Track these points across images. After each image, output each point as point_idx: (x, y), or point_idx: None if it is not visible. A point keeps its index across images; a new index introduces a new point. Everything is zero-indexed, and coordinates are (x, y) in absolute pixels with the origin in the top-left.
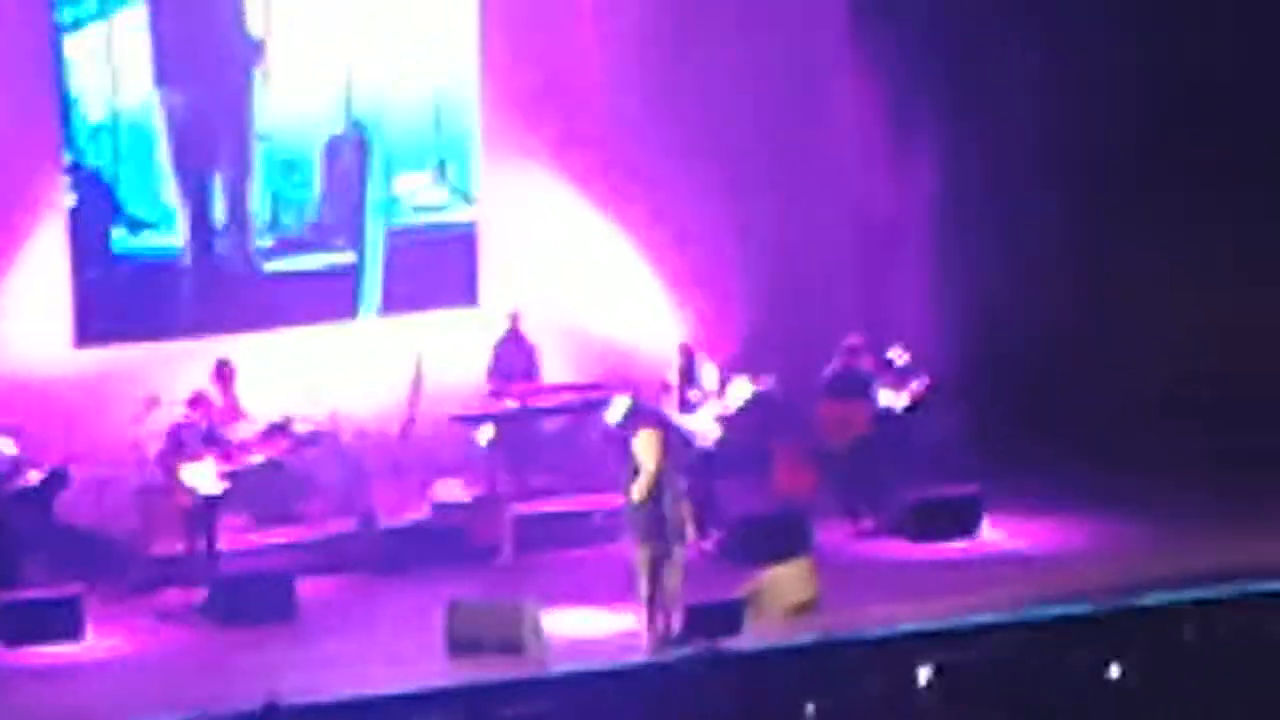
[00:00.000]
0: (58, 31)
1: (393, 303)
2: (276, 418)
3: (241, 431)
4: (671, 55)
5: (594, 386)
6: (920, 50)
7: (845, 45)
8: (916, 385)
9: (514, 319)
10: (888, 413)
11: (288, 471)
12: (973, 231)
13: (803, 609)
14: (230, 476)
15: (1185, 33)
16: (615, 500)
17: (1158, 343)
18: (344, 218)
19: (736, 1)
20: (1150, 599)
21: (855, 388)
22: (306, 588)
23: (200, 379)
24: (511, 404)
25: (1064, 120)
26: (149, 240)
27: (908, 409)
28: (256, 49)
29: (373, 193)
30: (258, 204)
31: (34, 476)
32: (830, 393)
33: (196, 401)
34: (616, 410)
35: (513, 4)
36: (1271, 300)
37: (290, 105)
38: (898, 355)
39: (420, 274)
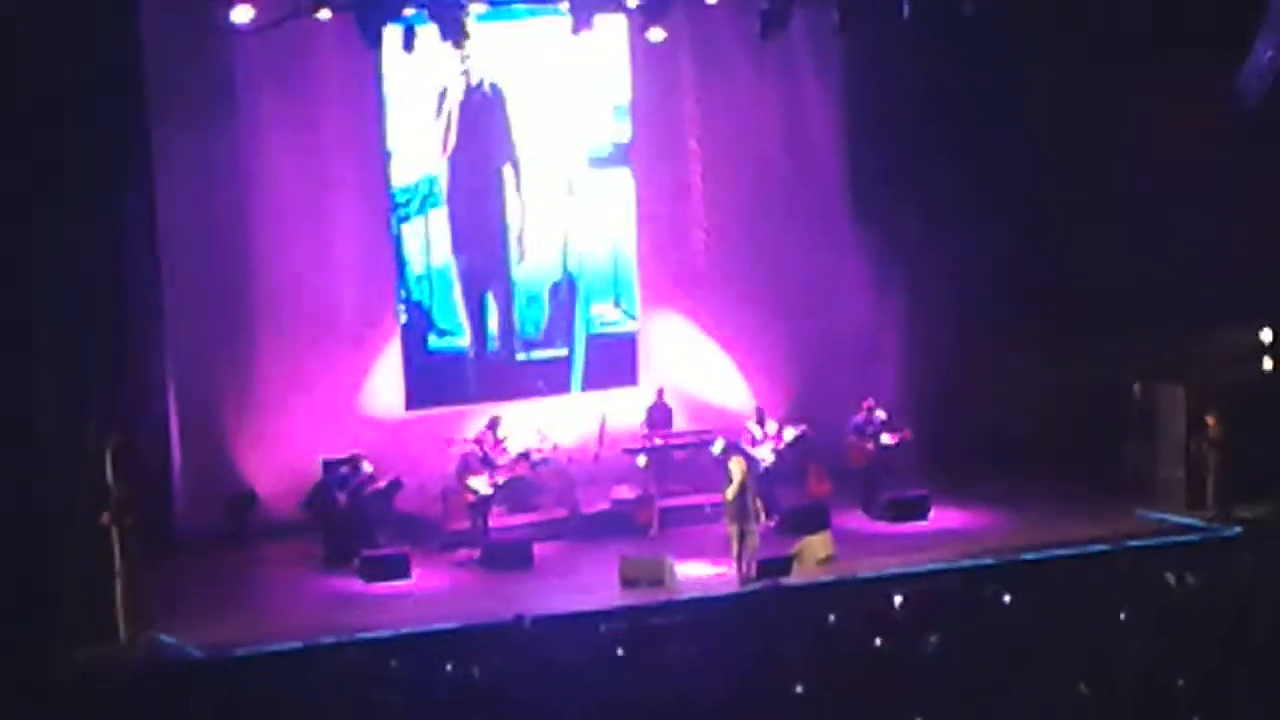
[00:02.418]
0: (398, 222)
1: (589, 381)
2: (523, 450)
3: (503, 458)
4: (738, 229)
5: (704, 432)
6: (902, 225)
7: (847, 227)
8: (902, 432)
9: (659, 393)
10: (884, 448)
11: (529, 481)
12: (930, 341)
13: (825, 561)
14: (496, 485)
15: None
16: (717, 498)
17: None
18: (561, 329)
19: (780, 197)
20: (1027, 556)
21: (868, 432)
22: (540, 550)
23: (479, 427)
24: (658, 442)
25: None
26: (450, 342)
27: (895, 445)
28: (513, 230)
29: (579, 314)
30: (513, 320)
31: (382, 484)
32: (855, 433)
33: (478, 441)
34: (717, 446)
35: (655, 208)
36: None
37: (531, 263)
38: (882, 413)
39: (605, 364)
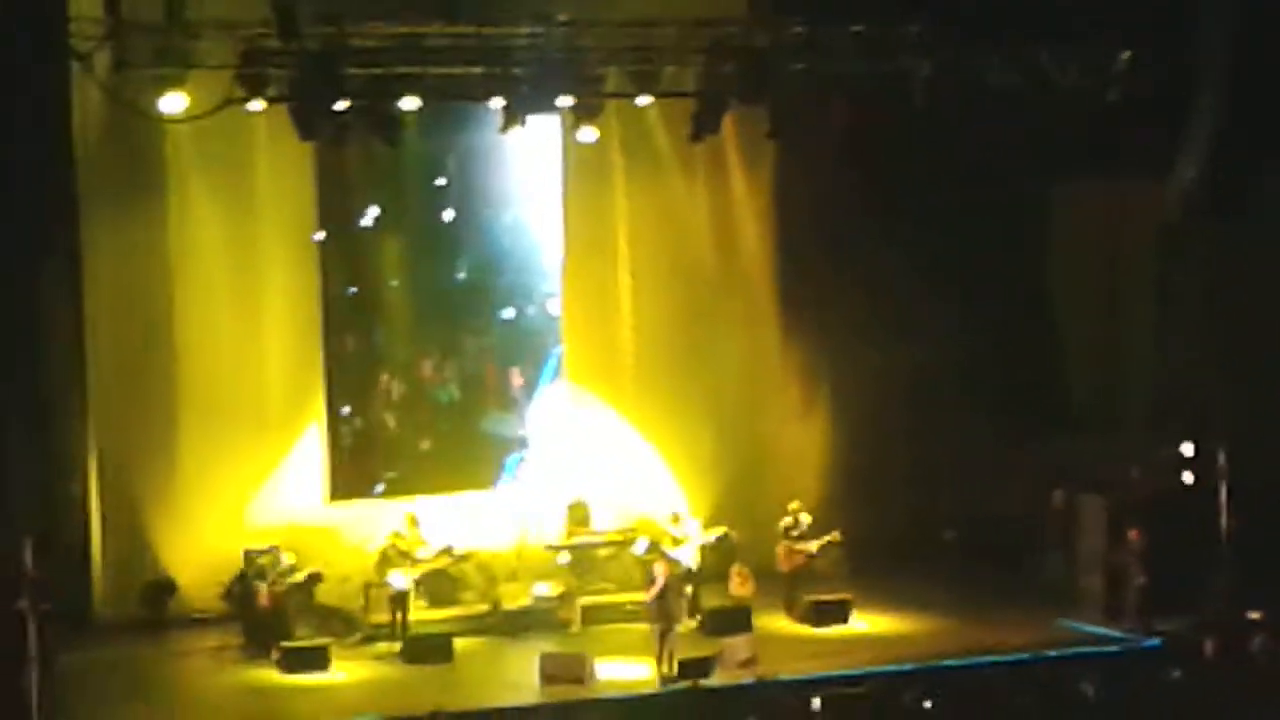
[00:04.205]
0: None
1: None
2: (444, 545)
3: (423, 552)
4: (667, 329)
5: (628, 530)
6: (831, 326)
7: (776, 328)
8: (829, 536)
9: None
10: (809, 552)
11: (450, 576)
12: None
13: (747, 664)
14: (416, 579)
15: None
16: (639, 597)
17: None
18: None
19: (709, 297)
20: (947, 663)
21: (793, 535)
22: (461, 645)
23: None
24: (579, 541)
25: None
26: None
27: (822, 549)
28: None
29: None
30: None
31: (302, 576)
32: (785, 537)
33: (397, 535)
34: (640, 546)
35: (584, 306)
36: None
37: None
38: (810, 517)
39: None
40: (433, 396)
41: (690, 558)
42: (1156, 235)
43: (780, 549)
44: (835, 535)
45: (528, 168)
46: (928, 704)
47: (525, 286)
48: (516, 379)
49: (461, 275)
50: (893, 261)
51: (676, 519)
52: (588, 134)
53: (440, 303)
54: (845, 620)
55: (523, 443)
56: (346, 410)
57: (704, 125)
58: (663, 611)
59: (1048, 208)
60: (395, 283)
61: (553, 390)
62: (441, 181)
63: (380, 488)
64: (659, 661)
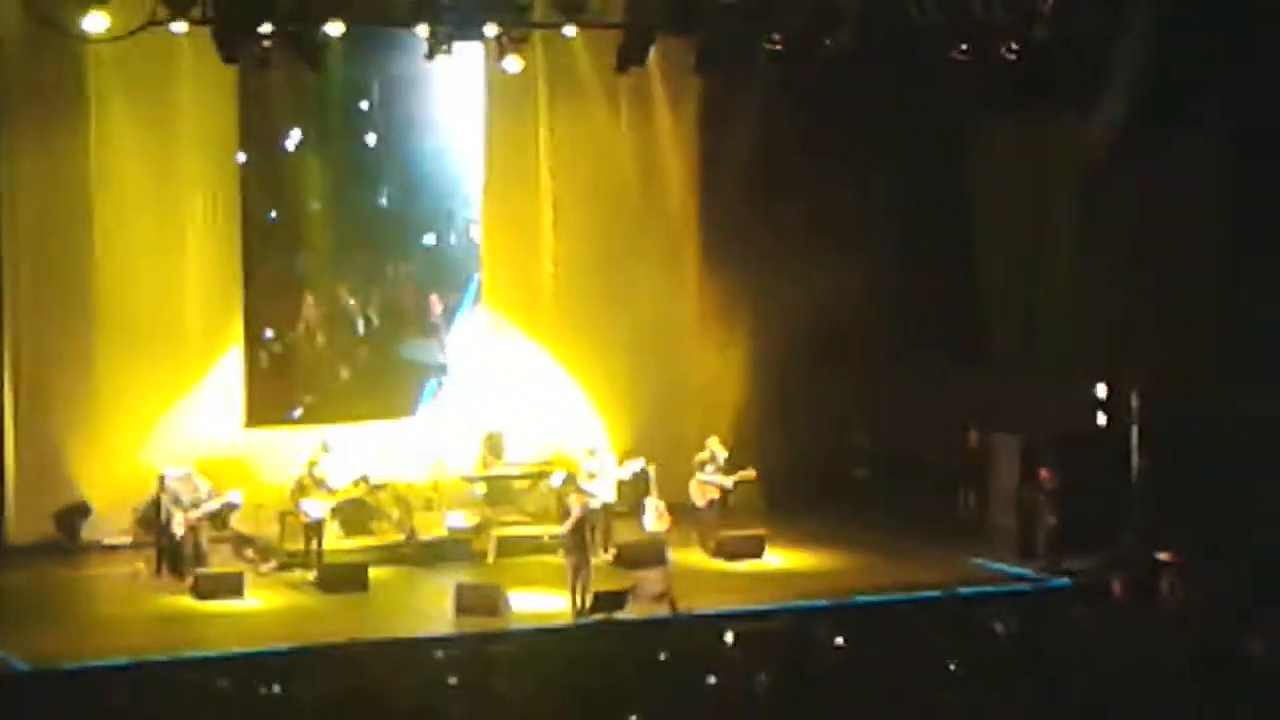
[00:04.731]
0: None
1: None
2: (360, 474)
3: (338, 480)
4: (588, 262)
5: (545, 463)
6: (750, 263)
7: (696, 263)
8: (744, 473)
9: None
10: (725, 487)
11: (366, 505)
12: (773, 380)
13: (660, 598)
14: (331, 507)
15: None
16: (554, 529)
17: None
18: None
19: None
20: (859, 599)
21: (709, 470)
22: (376, 574)
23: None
24: (497, 470)
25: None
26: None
27: (737, 485)
28: None
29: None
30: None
31: (218, 502)
32: (701, 471)
33: (312, 463)
34: (557, 479)
35: (505, 237)
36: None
37: None
38: (726, 453)
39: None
40: (352, 322)
41: (606, 491)
42: (1079, 175)
43: (695, 484)
44: (749, 473)
45: (451, 95)
46: (840, 640)
47: (447, 213)
48: (436, 306)
49: (383, 201)
50: (815, 198)
51: (592, 453)
52: (513, 64)
53: (362, 228)
54: (759, 556)
55: (441, 369)
56: (266, 335)
57: (630, 57)
58: (578, 544)
59: (971, 145)
60: (317, 207)
61: (471, 317)
62: (365, 106)
63: (298, 413)
64: (573, 594)
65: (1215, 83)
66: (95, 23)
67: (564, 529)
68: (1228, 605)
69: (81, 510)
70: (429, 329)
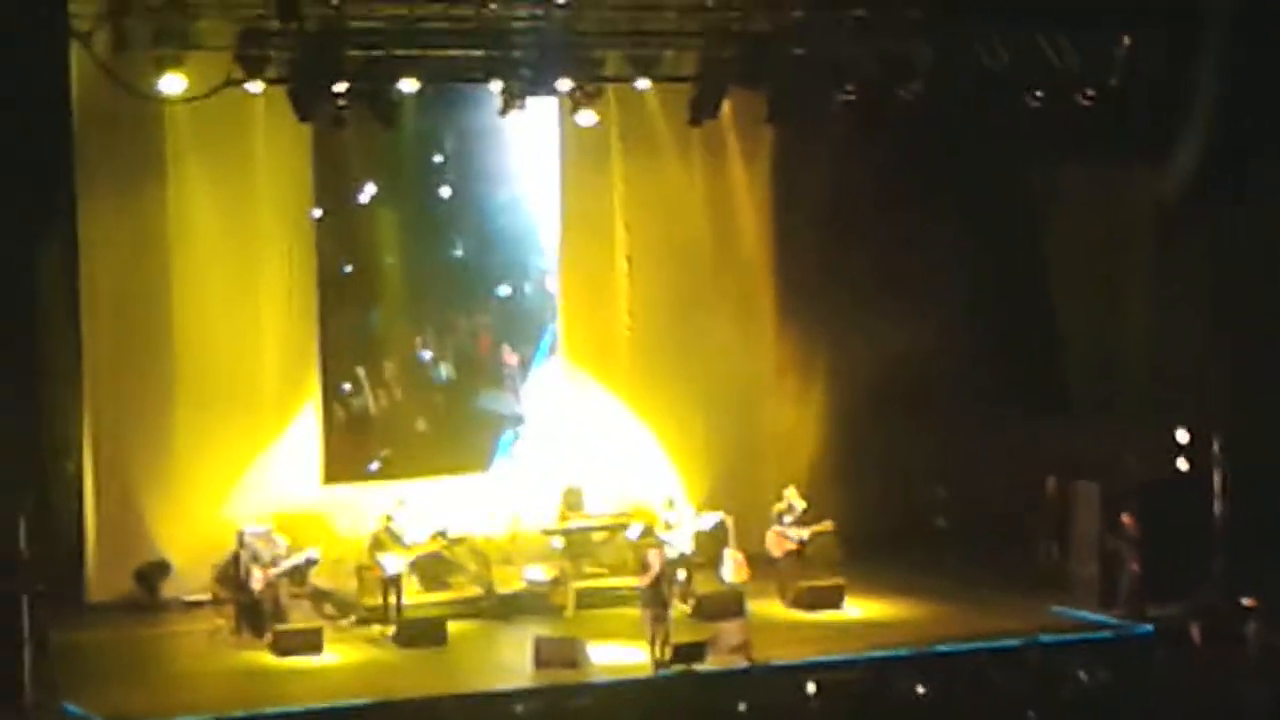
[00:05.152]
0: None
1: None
2: (439, 528)
3: (417, 535)
4: (663, 315)
5: (622, 515)
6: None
7: (773, 314)
8: (821, 524)
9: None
10: (802, 539)
11: (443, 559)
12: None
13: (740, 649)
14: (409, 562)
15: None
16: (633, 582)
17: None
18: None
19: (706, 284)
20: (940, 649)
21: (786, 521)
22: (455, 628)
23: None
24: (573, 525)
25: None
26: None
27: (815, 536)
28: None
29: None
30: None
31: (297, 558)
32: (775, 522)
33: (389, 518)
34: (635, 531)
35: (580, 291)
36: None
37: None
38: (803, 503)
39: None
40: (428, 375)
41: (684, 543)
42: (1154, 220)
43: (772, 535)
44: (827, 525)
45: (525, 148)
46: (921, 689)
47: (521, 264)
48: (511, 357)
49: (458, 253)
50: (890, 248)
51: (671, 504)
52: (587, 118)
53: (436, 280)
54: (838, 606)
55: (517, 421)
56: (343, 389)
57: (702, 109)
58: (657, 597)
59: (1046, 194)
60: (391, 260)
61: (547, 369)
62: (439, 159)
63: (374, 467)
64: (652, 646)
65: None
66: (172, 84)
67: (643, 581)
68: None
69: (162, 568)
70: (504, 381)
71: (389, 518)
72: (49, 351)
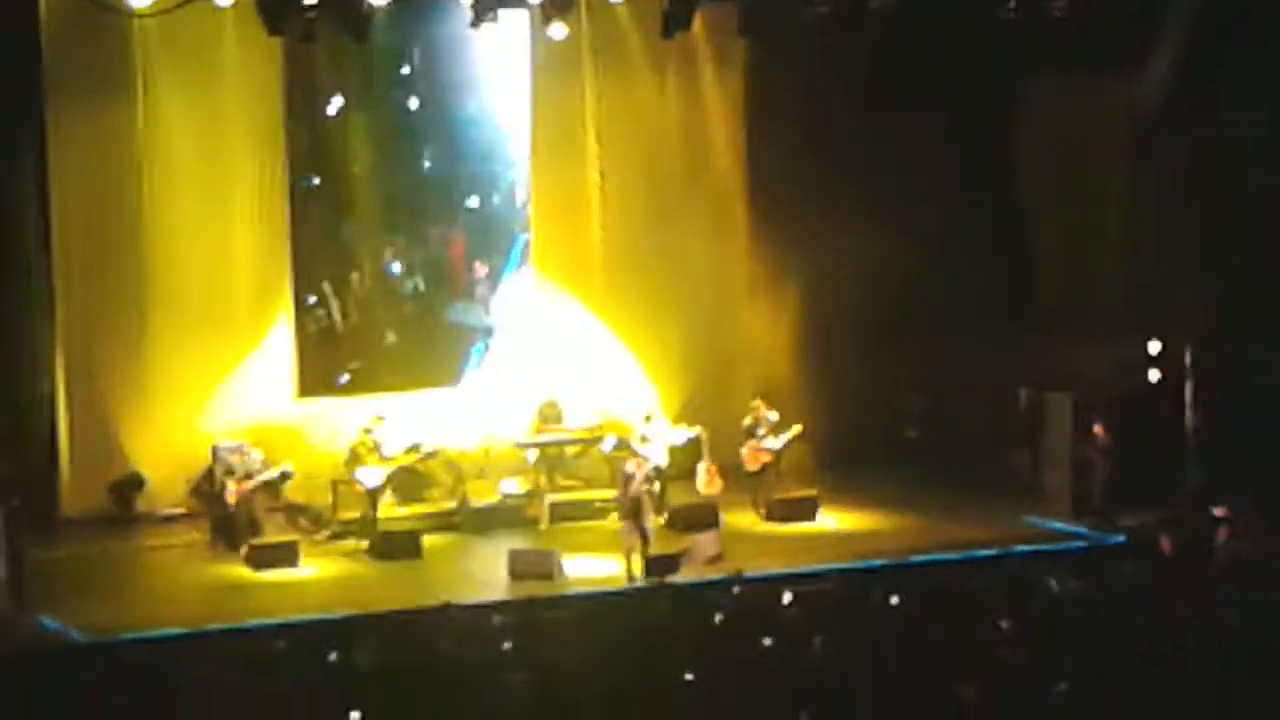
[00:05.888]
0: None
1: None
2: (412, 442)
3: (391, 449)
4: (636, 227)
5: (597, 428)
6: (800, 225)
7: (746, 226)
8: (792, 430)
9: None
10: (775, 449)
11: (418, 473)
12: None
13: (714, 560)
14: (384, 476)
15: None
16: (607, 494)
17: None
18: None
19: (680, 196)
20: (913, 559)
21: (758, 433)
22: (429, 541)
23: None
24: (549, 437)
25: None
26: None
27: (786, 446)
28: None
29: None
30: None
31: (272, 472)
32: (750, 435)
33: (366, 431)
34: (608, 443)
35: (552, 203)
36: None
37: None
38: (775, 414)
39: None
40: (398, 287)
41: (660, 455)
42: (1127, 135)
43: (745, 449)
44: (797, 429)
45: (495, 61)
46: (894, 599)
47: (490, 176)
48: (480, 269)
49: (427, 165)
50: (862, 164)
51: (649, 418)
52: (558, 30)
53: (406, 193)
54: (812, 517)
55: (487, 332)
56: (312, 301)
57: (675, 21)
58: (632, 508)
59: (1018, 109)
60: (360, 172)
61: (517, 279)
62: (407, 71)
63: (345, 379)
64: (628, 558)
65: (1265, 41)
66: None
67: (618, 493)
68: None
69: (135, 482)
70: (474, 293)
71: (367, 431)
72: (19, 270)
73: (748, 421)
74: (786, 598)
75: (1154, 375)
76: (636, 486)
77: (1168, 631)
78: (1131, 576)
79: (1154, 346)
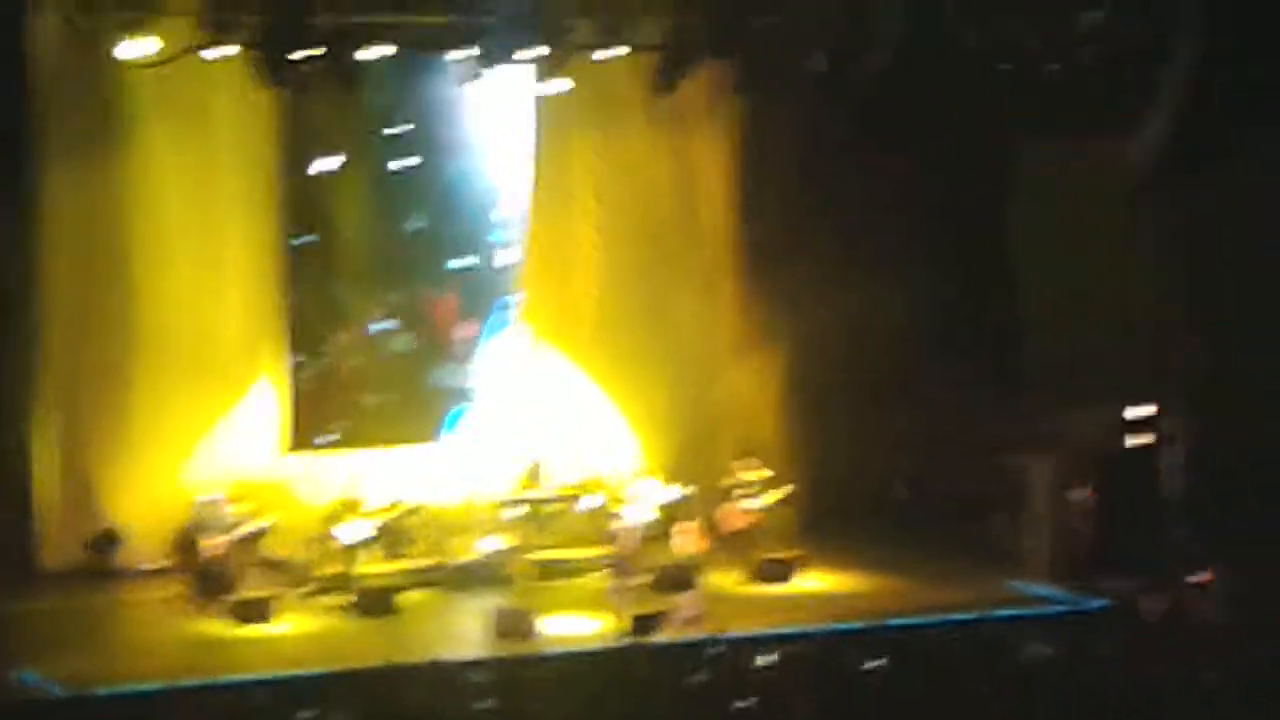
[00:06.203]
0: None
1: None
2: (394, 498)
3: (372, 505)
4: (628, 286)
5: (580, 486)
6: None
7: (736, 286)
8: (779, 491)
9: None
10: (754, 510)
11: (400, 530)
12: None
13: (693, 621)
14: (365, 532)
15: None
16: (590, 553)
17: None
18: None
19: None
20: (893, 622)
21: (740, 495)
22: (409, 598)
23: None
24: (530, 496)
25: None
26: None
27: (770, 506)
28: None
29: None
30: None
31: (252, 527)
32: (728, 498)
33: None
34: (594, 502)
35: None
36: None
37: None
38: (760, 474)
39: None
40: (386, 347)
41: (644, 515)
42: (1124, 194)
43: (728, 509)
44: (786, 490)
45: (491, 118)
46: (874, 662)
47: (482, 235)
48: (467, 330)
49: (420, 224)
50: (857, 224)
51: (634, 476)
52: (555, 86)
53: (398, 252)
54: (790, 579)
55: (474, 391)
56: (300, 360)
57: (671, 78)
58: (615, 568)
59: (1012, 168)
60: (353, 230)
61: (502, 341)
62: (402, 130)
63: (331, 438)
64: (610, 617)
65: (1265, 103)
66: (136, 48)
67: (601, 552)
68: (1264, 627)
69: (114, 536)
70: (462, 352)
71: (347, 487)
72: (3, 317)
73: (728, 482)
74: (767, 659)
75: (1140, 439)
76: (624, 545)
77: (1147, 696)
78: (1112, 641)
79: (1140, 410)
